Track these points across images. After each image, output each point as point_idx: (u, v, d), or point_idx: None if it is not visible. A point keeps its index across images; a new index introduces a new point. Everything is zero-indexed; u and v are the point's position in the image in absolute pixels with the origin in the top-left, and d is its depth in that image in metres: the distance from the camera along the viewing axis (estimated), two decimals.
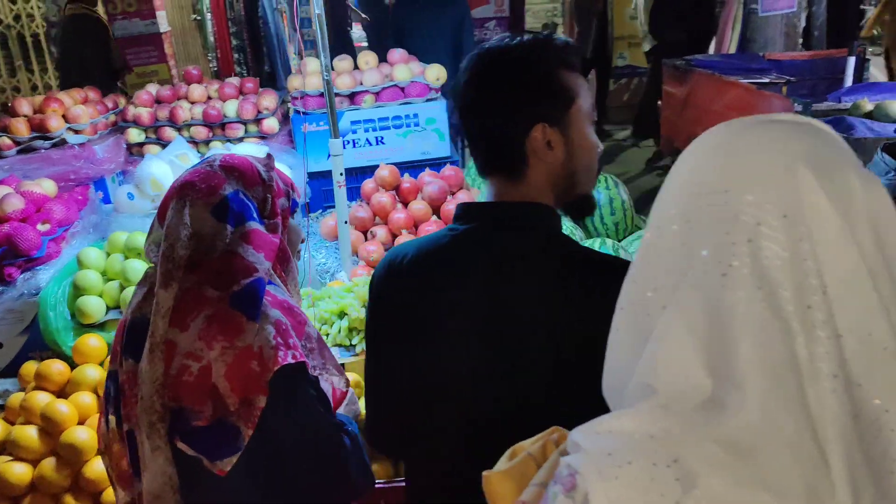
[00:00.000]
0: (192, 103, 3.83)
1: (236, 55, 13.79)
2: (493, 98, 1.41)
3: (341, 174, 3.24)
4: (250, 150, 3.52)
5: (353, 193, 3.97)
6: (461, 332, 1.42)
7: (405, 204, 3.60)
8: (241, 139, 3.83)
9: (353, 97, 3.89)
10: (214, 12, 13.15)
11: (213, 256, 1.51)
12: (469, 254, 1.43)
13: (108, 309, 2.94)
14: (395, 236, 3.53)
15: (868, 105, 5.28)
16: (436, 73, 3.90)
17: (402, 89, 3.90)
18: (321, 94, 3.87)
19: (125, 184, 3.45)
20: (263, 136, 3.82)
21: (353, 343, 2.91)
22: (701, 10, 8.70)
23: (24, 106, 3.62)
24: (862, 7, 9.89)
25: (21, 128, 3.51)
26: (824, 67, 6.82)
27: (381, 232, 3.50)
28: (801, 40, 8.15)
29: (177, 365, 1.46)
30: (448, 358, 1.44)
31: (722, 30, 8.43)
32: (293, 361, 1.48)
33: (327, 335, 3.02)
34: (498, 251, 1.41)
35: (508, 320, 1.37)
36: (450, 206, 3.57)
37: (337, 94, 3.86)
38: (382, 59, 4.07)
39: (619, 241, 3.77)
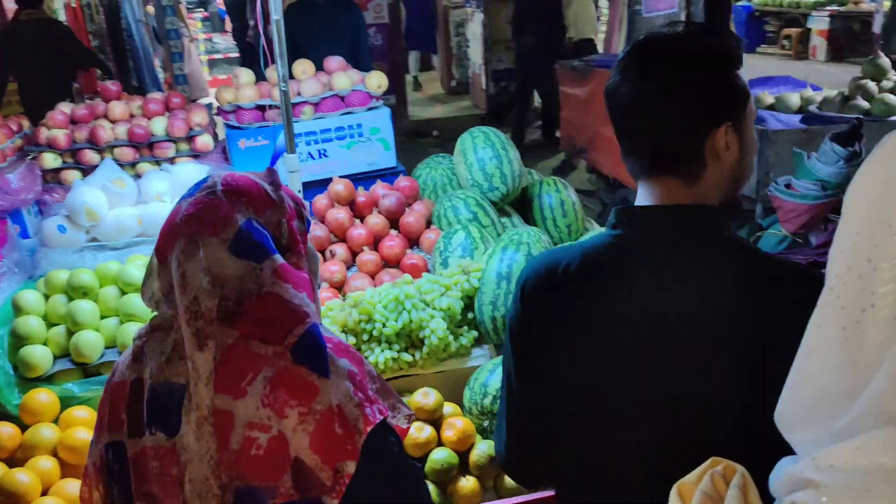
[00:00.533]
0: (114, 122, 3.50)
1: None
2: (673, 97, 1.32)
3: (299, 191, 3.03)
4: (191, 171, 3.25)
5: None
6: (641, 347, 1.33)
7: (361, 219, 3.43)
8: (171, 159, 3.54)
9: None
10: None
11: (249, 303, 1.32)
12: (647, 262, 1.35)
13: (56, 358, 2.62)
14: (355, 254, 3.35)
15: (769, 98, 5.53)
16: (377, 81, 3.74)
17: (343, 99, 3.72)
18: (257, 108, 3.64)
19: (50, 215, 3.10)
20: (196, 155, 3.54)
21: None
22: (552, 17, 9.17)
23: None
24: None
25: None
26: None
27: (340, 250, 3.32)
28: None
29: (238, 439, 1.27)
30: (625, 376, 1.35)
31: (610, 31, 8.68)
32: (381, 417, 1.32)
33: None
34: (679, 259, 1.33)
35: (695, 333, 1.29)
36: (410, 219, 3.43)
37: (272, 106, 3.64)
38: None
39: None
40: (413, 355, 2.85)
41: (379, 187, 3.55)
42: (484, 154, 3.66)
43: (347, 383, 1.31)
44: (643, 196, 1.43)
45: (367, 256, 3.27)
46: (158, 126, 3.49)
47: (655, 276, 1.34)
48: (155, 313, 1.46)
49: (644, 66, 1.36)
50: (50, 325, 2.67)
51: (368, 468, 1.29)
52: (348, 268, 3.30)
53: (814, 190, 3.45)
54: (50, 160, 3.40)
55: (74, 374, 2.61)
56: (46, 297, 2.72)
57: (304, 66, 3.67)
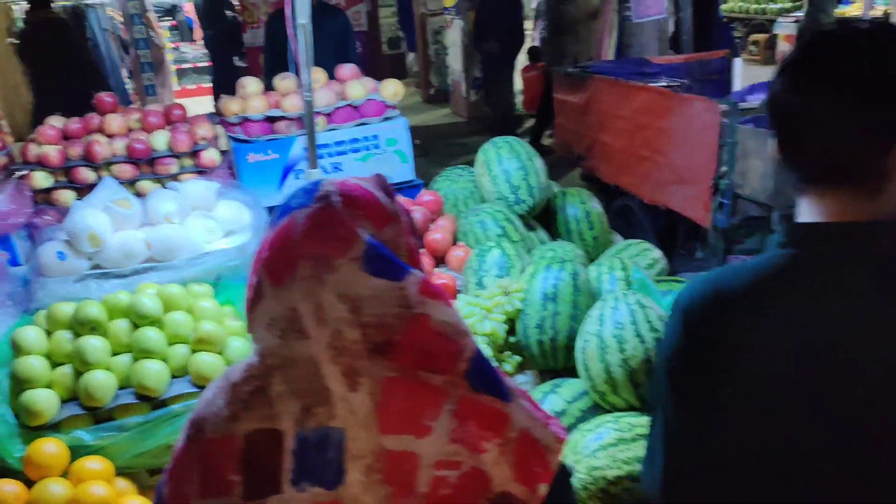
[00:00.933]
0: (111, 137, 3.21)
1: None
2: (861, 102, 1.18)
3: None
4: (201, 189, 2.98)
5: None
6: (826, 381, 1.19)
7: None
8: (175, 176, 3.26)
9: (300, 120, 3.42)
10: None
11: (400, 328, 1.13)
12: (832, 286, 1.21)
13: (62, 402, 2.34)
14: None
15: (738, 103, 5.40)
16: (393, 89, 3.51)
17: (356, 108, 3.47)
18: (266, 119, 3.37)
19: (44, 240, 2.81)
20: (201, 171, 3.27)
21: None
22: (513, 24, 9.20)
23: None
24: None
25: None
26: (698, 69, 7.04)
27: None
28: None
29: (426, 480, 1.12)
30: (805, 412, 1.20)
31: (600, 36, 8.56)
32: (566, 434, 1.23)
33: None
34: (868, 283, 1.19)
35: (890, 368, 1.15)
36: (436, 236, 3.20)
37: (282, 118, 3.38)
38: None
39: (598, 255, 3.53)
40: None
41: (400, 201, 3.31)
42: (509, 165, 3.44)
43: (524, 401, 1.20)
44: (812, 210, 1.29)
45: None
46: (160, 140, 3.21)
47: (843, 302, 1.20)
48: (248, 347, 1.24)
49: (824, 69, 1.21)
50: (54, 365, 2.39)
51: (555, 486, 1.20)
52: None
53: None
54: (41, 179, 3.10)
55: (84, 420, 2.33)
56: (48, 333, 2.44)
57: (316, 75, 3.42)
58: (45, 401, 2.29)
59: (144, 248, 2.73)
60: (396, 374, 1.13)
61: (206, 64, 14.57)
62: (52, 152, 3.08)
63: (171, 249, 2.73)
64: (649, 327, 2.42)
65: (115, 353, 2.42)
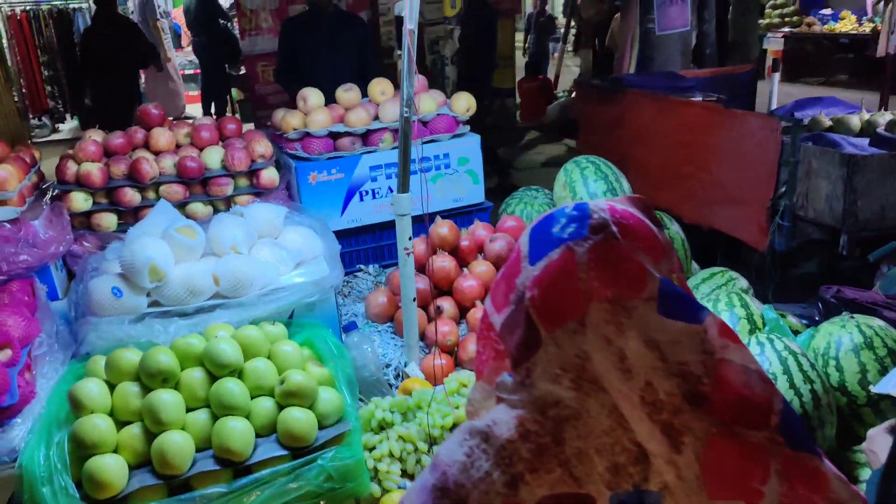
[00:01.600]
0: (157, 154, 2.86)
1: (49, 88, 12.10)
2: None
3: (410, 238, 2.46)
4: (268, 213, 2.64)
5: (375, 256, 3.18)
6: None
7: (465, 266, 2.86)
8: (229, 198, 2.91)
9: (365, 137, 3.09)
10: (17, 37, 11.53)
11: (708, 378, 1.02)
12: None
13: (131, 469, 1.98)
14: (463, 310, 2.78)
15: (826, 120, 5.17)
16: (465, 104, 3.19)
17: (425, 124, 3.15)
18: (329, 135, 3.03)
19: (93, 271, 2.45)
20: (258, 192, 2.92)
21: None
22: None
23: None
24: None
25: None
26: (725, 83, 6.81)
27: (447, 306, 2.74)
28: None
29: None
30: None
31: (623, 49, 8.32)
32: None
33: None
34: None
35: None
36: None
37: (347, 134, 3.04)
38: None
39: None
40: None
41: (479, 228, 2.99)
42: (597, 188, 3.14)
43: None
44: None
45: (481, 313, 2.70)
46: (213, 158, 2.86)
47: None
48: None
49: None
50: (120, 424, 2.04)
51: None
52: (460, 328, 2.73)
53: None
54: (80, 201, 2.74)
55: (158, 491, 1.97)
56: (110, 385, 2.09)
57: (382, 87, 3.09)
58: (113, 469, 1.93)
59: (212, 283, 2.38)
60: (717, 430, 1.00)
61: (193, 72, 14.12)
62: (95, 171, 2.72)
63: (241, 284, 2.39)
64: (803, 378, 2.13)
65: (188, 409, 2.08)
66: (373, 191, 3.06)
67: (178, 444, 1.97)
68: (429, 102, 3.10)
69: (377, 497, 2.18)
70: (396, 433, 2.26)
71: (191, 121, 3.01)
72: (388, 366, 2.62)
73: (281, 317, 2.45)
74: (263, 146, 2.92)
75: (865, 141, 4.76)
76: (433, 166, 3.13)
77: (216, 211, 2.89)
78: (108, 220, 2.77)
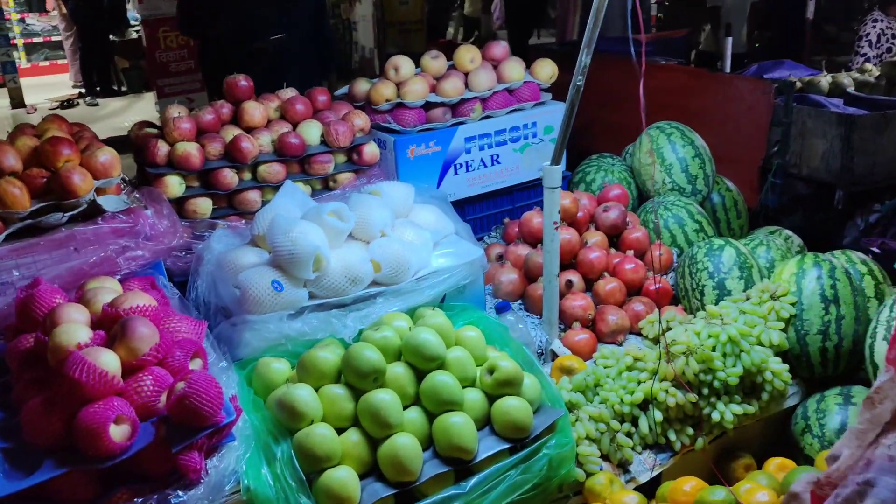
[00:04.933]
0: (250, 130, 2.58)
1: None
2: None
3: (559, 211, 2.37)
4: (402, 192, 2.47)
5: (483, 226, 3.08)
6: None
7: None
8: (330, 177, 2.68)
9: (455, 107, 2.93)
10: None
11: None
12: None
13: (363, 478, 1.82)
14: (589, 282, 2.72)
15: (797, 83, 5.41)
16: (549, 71, 3.09)
17: (512, 92, 3.03)
18: (424, 106, 2.86)
19: (254, 267, 2.19)
20: (357, 169, 2.71)
21: (671, 438, 2.19)
22: None
23: (9, 156, 2.10)
24: None
25: (17, 195, 2.05)
26: (665, 47, 6.99)
27: (575, 279, 2.68)
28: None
29: None
30: None
31: (564, 14, 8.34)
32: None
33: (630, 434, 2.21)
34: None
35: None
36: (637, 235, 2.85)
37: (440, 104, 2.88)
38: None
39: None
40: (752, 404, 2.32)
41: (583, 198, 2.93)
42: (685, 153, 3.14)
43: None
44: None
45: (612, 285, 2.67)
46: (313, 133, 2.61)
47: None
48: None
49: None
50: (338, 430, 1.86)
51: None
52: (594, 303, 2.67)
53: None
54: (175, 186, 2.43)
55: (389, 502, 1.82)
56: (314, 389, 1.89)
57: (470, 54, 2.94)
58: (350, 483, 1.77)
59: (371, 270, 2.20)
60: None
61: (59, 38, 12.98)
62: (194, 152, 2.42)
63: (401, 269, 2.22)
64: None
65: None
66: (466, 163, 2.93)
67: (409, 448, 1.83)
68: (516, 70, 2.98)
69: (581, 481, 2.12)
70: (587, 413, 2.19)
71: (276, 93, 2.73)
72: (525, 345, 2.53)
73: (435, 302, 2.31)
74: (362, 119, 2.71)
75: (840, 101, 5.03)
76: (521, 136, 3.03)
77: (313, 191, 2.66)
78: (204, 206, 2.49)
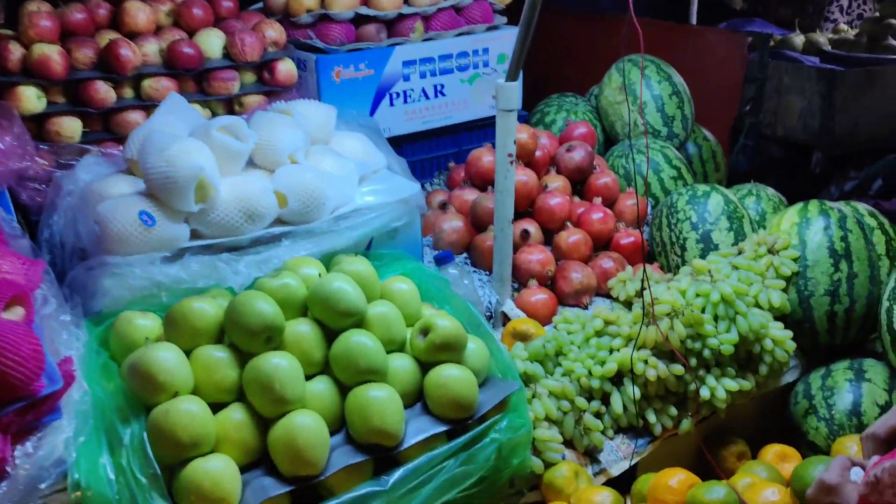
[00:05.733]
0: (133, 37, 2.05)
1: None
2: None
3: (514, 142, 1.91)
4: (319, 112, 1.97)
5: (424, 171, 2.61)
6: None
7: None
8: (235, 98, 2.17)
9: (391, 25, 2.44)
10: None
11: None
12: None
13: (246, 470, 1.34)
14: (549, 233, 2.27)
15: (772, 36, 5.08)
16: None
17: (460, 11, 2.55)
18: (353, 20, 2.35)
19: (78, 198, 1.70)
20: (270, 92, 2.21)
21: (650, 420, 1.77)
22: None
23: None
24: None
25: None
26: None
27: (532, 229, 2.22)
28: None
29: None
30: None
31: None
32: None
33: (600, 414, 1.76)
34: None
35: None
36: (605, 180, 2.40)
37: (372, 20, 2.38)
38: None
39: None
40: (747, 378, 1.89)
41: (542, 136, 2.47)
42: (661, 90, 2.70)
43: None
44: None
45: (575, 237, 2.22)
46: (213, 45, 2.07)
47: None
48: None
49: None
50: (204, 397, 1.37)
51: None
52: (554, 258, 2.22)
53: None
54: (32, 100, 1.88)
55: (282, 501, 1.34)
56: (185, 351, 1.40)
57: None
58: (225, 476, 1.29)
59: (275, 204, 1.71)
60: None
61: None
62: (55, 56, 1.89)
63: (315, 205, 1.74)
64: None
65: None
66: (405, 93, 2.45)
67: (311, 430, 1.35)
68: None
69: (539, 474, 1.66)
70: (547, 388, 1.74)
71: None
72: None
73: (359, 247, 1.83)
74: (276, 31, 2.19)
75: (816, 59, 4.67)
76: (470, 64, 2.56)
77: (214, 115, 2.15)
78: (71, 127, 1.96)
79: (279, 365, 1.37)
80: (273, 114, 1.86)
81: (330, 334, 1.49)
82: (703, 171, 2.96)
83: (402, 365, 1.52)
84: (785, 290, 2.00)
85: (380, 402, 1.40)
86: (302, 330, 1.47)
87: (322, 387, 1.45)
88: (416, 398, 1.53)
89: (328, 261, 1.71)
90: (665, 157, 2.51)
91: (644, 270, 1.75)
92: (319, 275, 1.55)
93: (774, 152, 4.51)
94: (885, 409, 1.91)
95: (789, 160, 4.43)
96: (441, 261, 1.94)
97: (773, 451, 1.90)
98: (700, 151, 2.94)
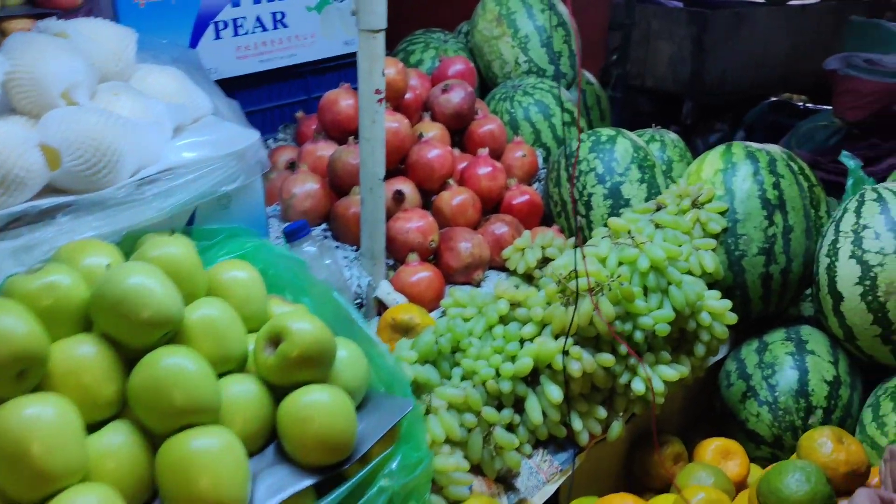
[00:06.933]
0: None
1: None
2: None
3: (383, 74, 1.46)
4: (109, 33, 1.42)
5: (265, 124, 2.09)
6: None
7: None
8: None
9: None
10: None
11: None
12: None
13: None
14: (427, 194, 1.82)
15: None
16: None
17: None
18: None
19: None
20: (45, 14, 1.61)
21: (576, 427, 1.39)
22: None
23: None
24: None
25: None
26: None
27: (407, 189, 1.77)
28: None
29: None
30: None
31: None
32: None
33: (514, 426, 1.36)
34: None
35: None
36: (490, 127, 1.98)
37: None
38: None
39: None
40: (681, 362, 1.54)
41: (413, 76, 2.01)
42: (545, 21, 2.30)
43: None
44: None
45: (461, 197, 1.80)
46: None
47: None
48: None
49: None
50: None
51: None
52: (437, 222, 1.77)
53: None
54: None
55: None
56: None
57: None
58: None
59: (42, 164, 1.16)
60: None
61: None
62: None
63: (102, 163, 1.20)
64: None
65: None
66: (234, 22, 1.90)
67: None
68: None
69: None
70: (445, 399, 1.30)
71: None
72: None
73: (176, 223, 1.31)
74: None
75: (679, 3, 4.47)
76: None
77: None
78: None
79: (34, 417, 0.85)
80: (39, 35, 1.29)
81: (128, 357, 0.98)
82: (589, 119, 2.61)
83: (242, 392, 1.03)
84: (713, 251, 1.66)
85: (209, 456, 0.92)
86: (81, 354, 0.95)
87: (117, 441, 0.94)
88: (266, 439, 1.05)
89: (130, 245, 1.19)
90: (556, 98, 2.12)
91: (578, 230, 1.35)
92: (109, 266, 1.04)
93: (643, 105, 4.28)
94: (832, 385, 1.63)
95: (660, 113, 4.21)
96: (293, 235, 1.45)
97: (711, 447, 1.57)
98: (584, 97, 2.59)
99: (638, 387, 1.42)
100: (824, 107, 3.34)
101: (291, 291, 1.30)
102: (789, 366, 1.64)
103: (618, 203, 1.79)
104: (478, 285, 1.73)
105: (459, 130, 1.99)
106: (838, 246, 1.64)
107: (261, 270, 1.25)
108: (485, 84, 2.39)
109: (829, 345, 1.69)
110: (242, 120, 1.52)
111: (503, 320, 1.45)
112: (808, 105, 3.50)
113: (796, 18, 3.73)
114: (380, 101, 1.48)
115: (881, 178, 2.15)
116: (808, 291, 1.84)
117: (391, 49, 2.48)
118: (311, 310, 1.24)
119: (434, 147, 1.79)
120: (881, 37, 2.95)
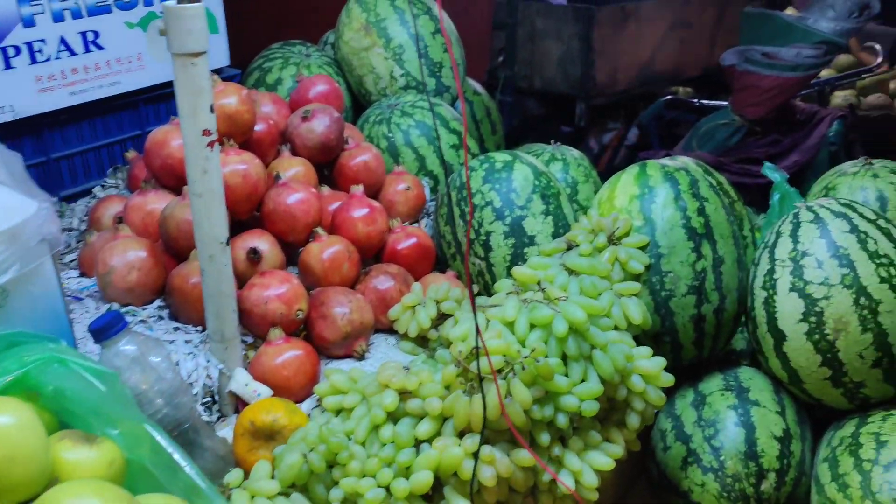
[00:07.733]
0: None
1: None
2: None
3: (211, 109, 1.12)
4: None
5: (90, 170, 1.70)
6: None
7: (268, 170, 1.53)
8: None
9: None
10: None
11: None
12: None
13: None
14: (290, 248, 1.48)
15: None
16: None
17: None
18: None
19: None
20: None
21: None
22: None
23: None
24: None
25: None
26: None
27: (263, 245, 1.42)
28: None
29: None
30: None
31: None
32: None
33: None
34: None
35: None
36: (365, 157, 1.65)
37: None
38: None
39: None
40: (613, 440, 1.26)
41: (266, 102, 1.67)
42: (422, 27, 1.99)
43: None
44: None
45: (333, 249, 1.47)
46: None
47: None
48: None
49: None
50: None
51: None
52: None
53: (812, 56, 2.59)
54: None
55: None
56: None
57: None
58: None
59: None
60: None
61: None
62: None
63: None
64: (886, 262, 1.37)
65: None
66: (30, 47, 1.51)
67: None
68: None
69: None
70: None
71: None
72: (189, 385, 1.24)
73: None
74: None
75: (563, 1, 4.28)
76: (137, 1, 1.67)
77: None
78: None
79: None
80: None
81: None
82: (479, 134, 2.34)
83: None
84: (637, 295, 1.40)
85: None
86: None
87: None
88: None
89: None
90: (441, 119, 1.83)
91: (472, 298, 1.05)
92: None
93: (533, 109, 4.05)
94: (783, 441, 1.40)
95: (551, 117, 4.00)
96: (101, 333, 1.08)
97: None
98: (472, 109, 2.31)
99: (567, 482, 1.13)
100: (718, 102, 3.19)
101: (96, 420, 0.94)
102: (733, 422, 1.39)
103: (521, 241, 1.51)
104: (361, 358, 1.40)
105: (327, 164, 1.65)
106: (776, 276, 1.41)
107: (53, 394, 0.90)
108: (358, 103, 2.07)
109: (772, 390, 1.46)
110: (25, 181, 1.14)
111: (392, 417, 1.14)
112: (703, 102, 3.34)
113: (681, 11, 3.60)
114: (211, 144, 1.13)
115: (791, 177, 1.96)
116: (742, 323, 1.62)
117: (246, 65, 2.13)
118: (122, 446, 0.90)
119: (295, 190, 1.46)
120: (777, 28, 2.80)
